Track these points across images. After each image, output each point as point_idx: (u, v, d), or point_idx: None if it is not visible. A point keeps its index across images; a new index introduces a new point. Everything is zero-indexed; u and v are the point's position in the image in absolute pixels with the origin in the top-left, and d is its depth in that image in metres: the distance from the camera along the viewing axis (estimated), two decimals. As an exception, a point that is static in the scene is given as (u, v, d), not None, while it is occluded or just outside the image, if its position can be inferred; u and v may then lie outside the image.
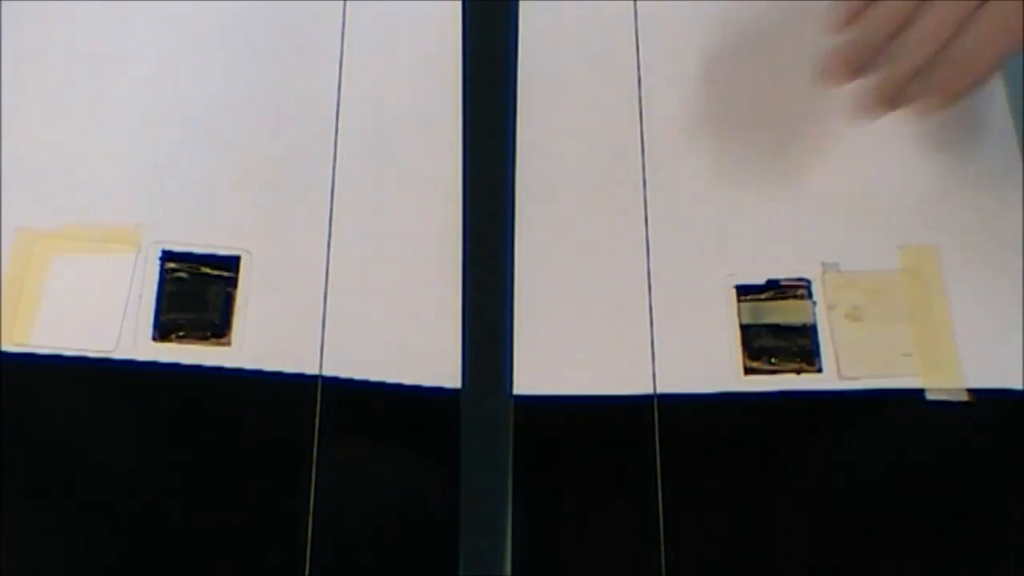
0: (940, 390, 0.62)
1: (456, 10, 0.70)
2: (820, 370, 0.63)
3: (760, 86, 0.70)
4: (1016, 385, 0.62)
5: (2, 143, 0.66)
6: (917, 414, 0.62)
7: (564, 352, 0.63)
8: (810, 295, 0.64)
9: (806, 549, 0.59)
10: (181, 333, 0.62)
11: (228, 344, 0.62)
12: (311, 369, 0.61)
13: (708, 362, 0.63)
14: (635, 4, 0.72)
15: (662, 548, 0.59)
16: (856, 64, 0.60)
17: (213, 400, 0.61)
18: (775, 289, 0.64)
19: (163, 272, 0.63)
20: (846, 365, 0.63)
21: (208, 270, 0.64)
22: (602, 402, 0.62)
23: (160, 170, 0.66)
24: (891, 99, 0.60)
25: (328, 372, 0.61)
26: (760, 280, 0.65)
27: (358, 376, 0.62)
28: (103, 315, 0.62)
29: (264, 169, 0.67)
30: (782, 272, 0.65)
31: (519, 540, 0.59)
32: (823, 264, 0.65)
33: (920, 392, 0.62)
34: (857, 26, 0.60)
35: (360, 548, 0.59)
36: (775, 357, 0.63)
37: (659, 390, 0.62)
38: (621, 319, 0.64)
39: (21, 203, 0.64)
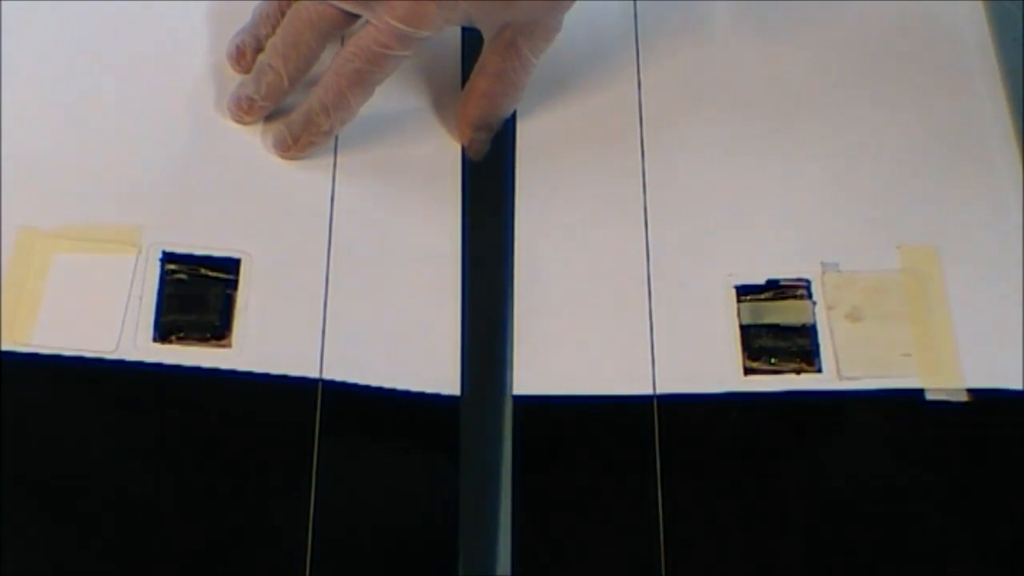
0: (940, 390, 0.62)
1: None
2: (820, 370, 0.63)
3: (760, 85, 0.70)
4: (1016, 385, 0.62)
5: (2, 143, 0.66)
6: (917, 414, 0.62)
7: (564, 352, 0.63)
8: (810, 295, 0.64)
9: (805, 549, 0.59)
10: (181, 334, 0.62)
11: (228, 346, 0.62)
12: (311, 372, 0.61)
13: (708, 362, 0.63)
14: (635, 4, 0.72)
15: (662, 548, 0.59)
16: (248, 108, 0.67)
17: (213, 402, 0.61)
18: (775, 289, 0.64)
19: (163, 273, 0.63)
20: (846, 365, 0.63)
21: (208, 272, 0.63)
22: (602, 402, 0.62)
23: (161, 171, 0.66)
24: (282, 144, 0.66)
25: (328, 375, 0.61)
26: (760, 280, 0.65)
27: (359, 380, 0.62)
28: (103, 315, 0.62)
29: (265, 171, 0.66)
30: (782, 272, 0.65)
31: (519, 540, 0.59)
32: (823, 264, 0.65)
33: (920, 392, 0.62)
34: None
35: (360, 551, 0.59)
36: (775, 357, 0.63)
37: (659, 390, 0.62)
38: (621, 319, 0.64)
39: (21, 203, 0.64)
